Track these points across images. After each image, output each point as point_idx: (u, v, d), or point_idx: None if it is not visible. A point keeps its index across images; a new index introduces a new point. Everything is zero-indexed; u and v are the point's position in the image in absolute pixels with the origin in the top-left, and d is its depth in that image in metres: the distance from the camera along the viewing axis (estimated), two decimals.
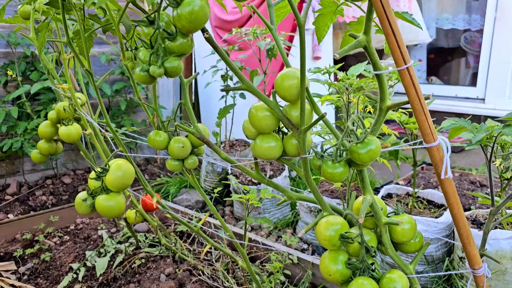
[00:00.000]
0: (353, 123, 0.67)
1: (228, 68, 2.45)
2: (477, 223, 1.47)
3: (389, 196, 1.77)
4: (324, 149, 0.70)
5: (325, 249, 1.99)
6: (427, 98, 0.66)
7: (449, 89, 4.95)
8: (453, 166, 2.94)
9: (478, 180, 2.25)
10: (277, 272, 1.33)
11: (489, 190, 2.20)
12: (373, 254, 0.78)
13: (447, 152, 0.69)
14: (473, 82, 4.70)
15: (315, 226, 0.81)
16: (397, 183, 2.11)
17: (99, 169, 1.08)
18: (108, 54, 2.82)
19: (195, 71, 3.42)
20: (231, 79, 2.37)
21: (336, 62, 3.68)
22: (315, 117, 0.74)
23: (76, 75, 1.67)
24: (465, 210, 1.88)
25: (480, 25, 4.94)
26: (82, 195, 1.13)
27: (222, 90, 0.70)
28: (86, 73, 1.06)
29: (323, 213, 0.82)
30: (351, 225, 0.84)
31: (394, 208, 1.56)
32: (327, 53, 3.40)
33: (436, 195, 1.72)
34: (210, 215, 2.05)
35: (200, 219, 2.08)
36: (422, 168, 2.46)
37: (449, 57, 5.46)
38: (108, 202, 1.08)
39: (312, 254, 1.87)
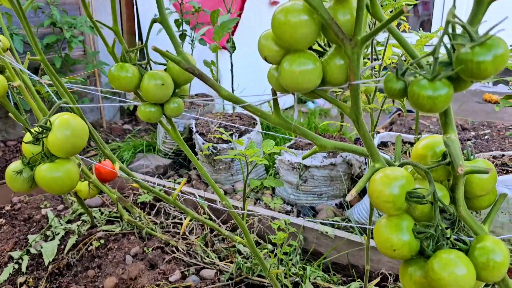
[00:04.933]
0: (453, 15, 0.42)
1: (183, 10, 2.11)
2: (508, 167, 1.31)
3: (383, 145, 1.59)
4: (410, 63, 0.45)
5: (313, 210, 1.80)
6: None
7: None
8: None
9: (460, 124, 2.14)
10: (282, 245, 1.10)
11: (473, 133, 2.08)
12: (450, 216, 0.57)
13: None
14: (428, 28, 4.62)
15: (367, 184, 0.58)
16: (378, 132, 1.94)
17: (36, 129, 0.78)
18: (34, 2, 2.36)
19: (138, 21, 3.01)
20: (188, 23, 2.04)
21: None
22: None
23: None
24: None
25: None
26: (15, 166, 0.83)
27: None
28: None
29: (374, 165, 0.59)
30: None
31: (391, 155, 1.37)
32: None
33: None
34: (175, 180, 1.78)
35: (165, 187, 1.80)
36: (399, 114, 2.31)
37: None
38: (54, 173, 0.80)
39: (297, 216, 1.67)
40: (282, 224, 1.13)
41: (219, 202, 1.51)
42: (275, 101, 0.59)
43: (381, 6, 0.93)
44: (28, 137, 0.80)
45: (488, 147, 1.80)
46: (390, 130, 2.02)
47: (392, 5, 0.95)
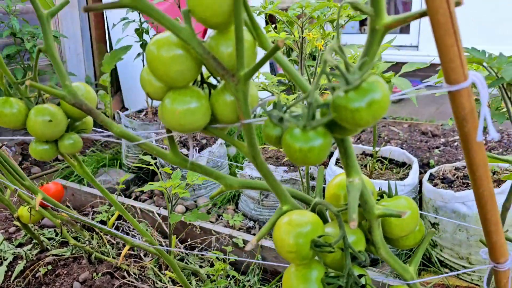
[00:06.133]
0: (333, 54, 0.37)
1: (143, 19, 2.05)
2: (446, 181, 1.27)
3: None
4: (286, 107, 0.39)
5: None
6: (458, 3, 0.38)
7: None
8: (397, 116, 2.79)
9: (430, 130, 2.09)
10: (221, 273, 1.04)
11: (443, 140, 2.04)
12: (364, 262, 0.51)
13: (485, 97, 0.41)
14: (406, 29, 4.59)
15: (273, 228, 0.52)
16: None
17: None
18: None
19: (107, 26, 2.94)
20: (147, 32, 1.97)
21: None
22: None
23: None
24: (425, 164, 1.70)
25: None
26: None
27: (84, 10, 0.37)
28: None
29: (282, 208, 0.53)
30: (322, 218, 0.56)
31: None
32: None
33: (396, 152, 1.50)
34: (126, 190, 1.71)
35: (124, 204, 1.73)
36: None
37: None
38: None
39: None
40: (220, 254, 1.07)
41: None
42: (171, 138, 0.53)
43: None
44: None
45: (456, 155, 1.76)
46: (358, 139, 1.96)
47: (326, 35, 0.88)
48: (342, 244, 0.50)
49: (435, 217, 1.20)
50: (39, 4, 0.54)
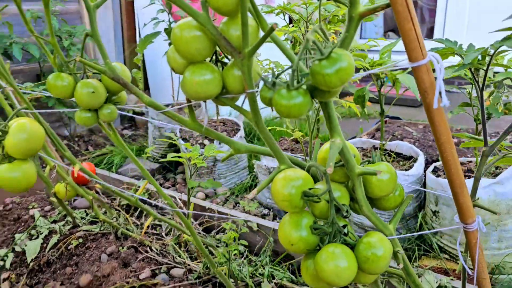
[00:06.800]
0: (315, 36, 0.48)
1: (171, 20, 2.19)
2: None
3: None
4: (276, 75, 0.50)
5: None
6: None
7: None
8: (416, 120, 2.85)
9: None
10: (233, 242, 1.15)
11: (456, 140, 2.10)
12: (345, 214, 0.61)
13: (441, 72, 0.51)
14: (430, 36, 4.63)
15: (271, 184, 0.63)
16: (354, 137, 1.98)
17: None
18: (33, 11, 2.47)
19: (139, 27, 3.11)
20: None
21: None
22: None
23: None
24: (434, 161, 1.77)
25: None
26: None
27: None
28: None
29: (279, 167, 0.64)
30: (315, 180, 0.67)
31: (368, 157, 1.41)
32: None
33: (404, 146, 1.58)
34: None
35: (148, 190, 1.87)
36: (386, 121, 2.34)
37: None
38: (11, 173, 0.86)
39: (273, 219, 1.72)
40: (234, 225, 1.18)
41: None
42: (190, 107, 0.65)
43: (329, 22, 0.97)
44: None
45: (466, 154, 1.82)
46: (372, 137, 2.05)
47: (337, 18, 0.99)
48: (329, 197, 0.60)
49: (436, 206, 1.28)
50: None
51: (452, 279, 1.14)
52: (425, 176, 1.43)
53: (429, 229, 1.30)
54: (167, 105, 2.41)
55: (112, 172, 2.00)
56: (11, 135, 0.84)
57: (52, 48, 2.16)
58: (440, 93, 0.51)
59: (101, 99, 0.72)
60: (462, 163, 1.46)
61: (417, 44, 0.50)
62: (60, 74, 0.72)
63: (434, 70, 0.52)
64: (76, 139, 2.84)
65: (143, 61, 3.24)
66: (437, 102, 0.51)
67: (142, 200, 1.65)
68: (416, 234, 0.75)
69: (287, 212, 0.62)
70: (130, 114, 0.86)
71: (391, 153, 1.57)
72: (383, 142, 1.39)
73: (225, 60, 0.63)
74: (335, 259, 0.56)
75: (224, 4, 0.51)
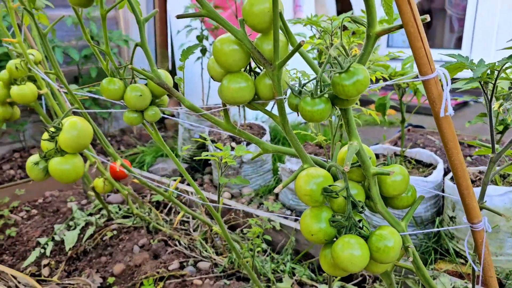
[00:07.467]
0: (336, 53, 0.56)
1: (203, 28, 2.30)
2: None
3: (376, 156, 1.68)
4: (302, 85, 0.58)
5: None
6: (423, 20, 0.55)
7: (434, 52, 4.85)
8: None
9: (465, 140, 2.18)
10: (257, 237, 1.24)
11: (475, 149, 2.13)
12: (361, 209, 0.68)
13: (447, 85, 0.58)
14: (458, 45, 4.62)
15: (294, 181, 0.71)
16: (376, 144, 2.03)
17: (52, 129, 0.96)
18: (74, 17, 2.62)
19: (171, 33, 3.24)
20: (207, 38, 2.22)
21: None
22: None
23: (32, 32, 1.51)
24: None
25: None
26: (34, 158, 1.00)
27: (177, 17, 0.58)
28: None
29: (303, 166, 0.71)
30: (335, 178, 0.74)
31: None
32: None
33: (424, 154, 1.63)
34: (182, 182, 1.95)
35: (178, 188, 1.97)
36: (409, 130, 2.38)
37: (433, 20, 5.36)
38: (63, 165, 0.96)
39: (296, 220, 1.79)
40: (258, 221, 1.26)
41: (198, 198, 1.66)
42: (225, 111, 0.74)
43: (353, 33, 1.04)
44: (46, 135, 0.98)
45: (486, 163, 1.85)
46: (394, 144, 2.10)
47: (361, 31, 1.07)
48: (346, 193, 0.68)
49: (453, 211, 1.32)
50: (138, 13, 0.77)
51: (466, 282, 1.19)
52: (443, 183, 1.48)
53: (446, 235, 1.35)
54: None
55: (144, 170, 2.11)
56: (64, 132, 0.94)
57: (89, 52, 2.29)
58: (446, 103, 0.58)
59: (147, 101, 0.81)
60: (481, 172, 1.51)
61: (426, 60, 0.57)
62: (112, 79, 0.82)
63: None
64: (109, 138, 2.99)
65: (173, 65, 3.38)
66: (443, 111, 0.58)
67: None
68: (426, 231, 0.81)
69: None
70: (165, 116, 0.95)
71: (411, 160, 1.62)
72: (403, 149, 1.44)
73: (258, 70, 0.71)
74: (350, 248, 0.63)
75: (260, 23, 0.60)
